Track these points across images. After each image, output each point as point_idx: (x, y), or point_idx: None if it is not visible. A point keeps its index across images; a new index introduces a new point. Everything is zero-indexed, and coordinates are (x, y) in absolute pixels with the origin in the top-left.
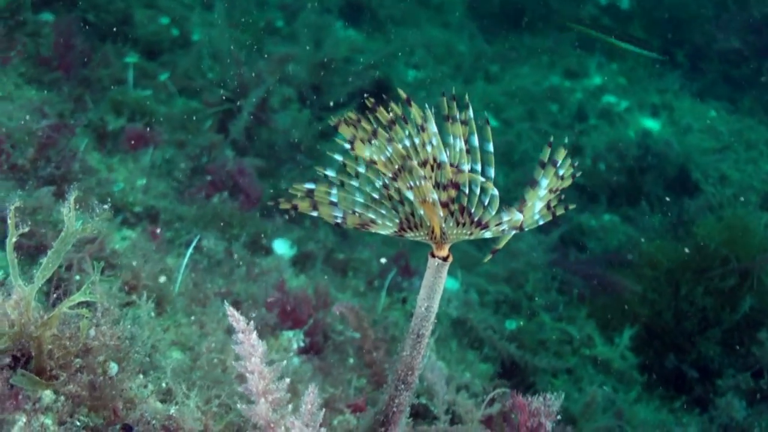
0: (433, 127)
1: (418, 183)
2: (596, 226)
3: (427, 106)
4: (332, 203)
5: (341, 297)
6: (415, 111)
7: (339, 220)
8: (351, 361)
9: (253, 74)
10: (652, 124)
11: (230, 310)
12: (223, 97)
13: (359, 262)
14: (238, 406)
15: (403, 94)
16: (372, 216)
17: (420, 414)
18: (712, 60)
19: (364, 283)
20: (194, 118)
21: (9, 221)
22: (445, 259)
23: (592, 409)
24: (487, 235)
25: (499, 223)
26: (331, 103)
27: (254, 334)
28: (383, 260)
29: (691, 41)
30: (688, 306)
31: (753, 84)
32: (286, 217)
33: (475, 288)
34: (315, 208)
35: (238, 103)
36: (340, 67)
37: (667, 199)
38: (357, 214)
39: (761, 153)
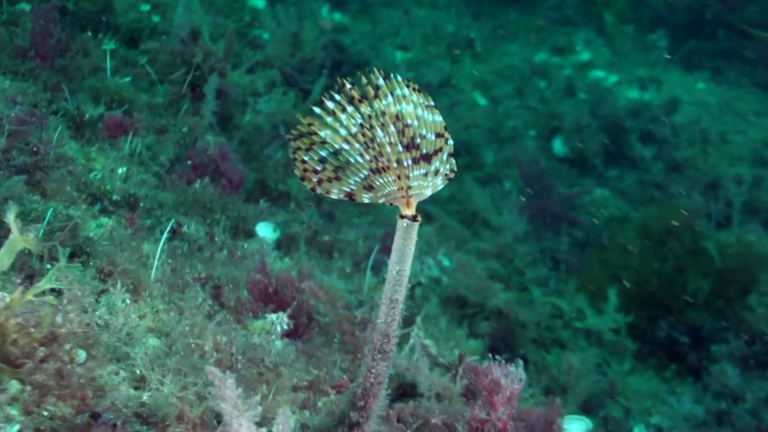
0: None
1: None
2: (587, 201)
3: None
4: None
5: (327, 279)
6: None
7: (320, 168)
8: (336, 342)
9: (222, 56)
10: (640, 96)
11: (208, 369)
12: (185, 75)
13: (345, 243)
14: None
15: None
16: (348, 158)
17: (408, 393)
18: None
19: (351, 264)
20: (175, 104)
21: None
22: (413, 218)
23: (573, 374)
24: (439, 183)
25: (443, 162)
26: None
27: (228, 380)
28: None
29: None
30: (669, 274)
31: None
32: (270, 201)
33: (464, 265)
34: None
35: (206, 74)
36: (325, 50)
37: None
38: (337, 156)
39: (750, 123)
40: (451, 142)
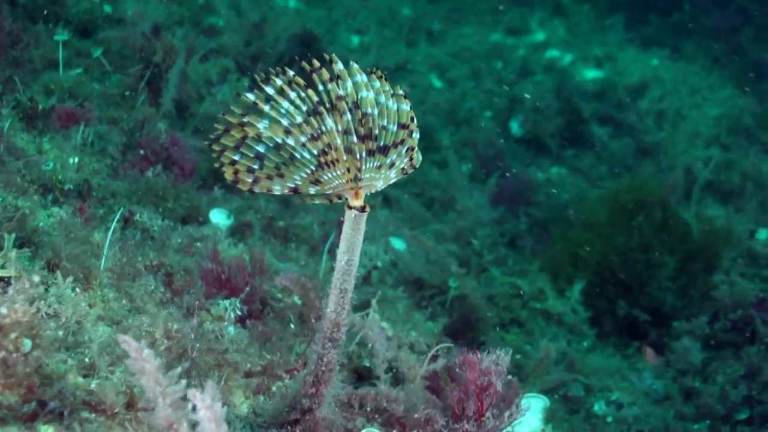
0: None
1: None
2: (543, 180)
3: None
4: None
5: (282, 265)
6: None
7: (257, 166)
8: (292, 327)
9: (182, 45)
10: (596, 75)
11: (122, 338)
12: (144, 69)
13: (300, 228)
14: (139, 414)
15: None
16: (292, 153)
17: (364, 376)
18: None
19: (307, 248)
20: (129, 94)
21: None
22: (362, 209)
23: (545, 364)
24: (392, 175)
25: (401, 156)
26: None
27: (145, 350)
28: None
29: None
30: (632, 252)
31: (693, 30)
32: (224, 188)
33: (422, 248)
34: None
35: (163, 72)
36: (282, 36)
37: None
38: (278, 151)
39: (704, 98)
40: (416, 134)
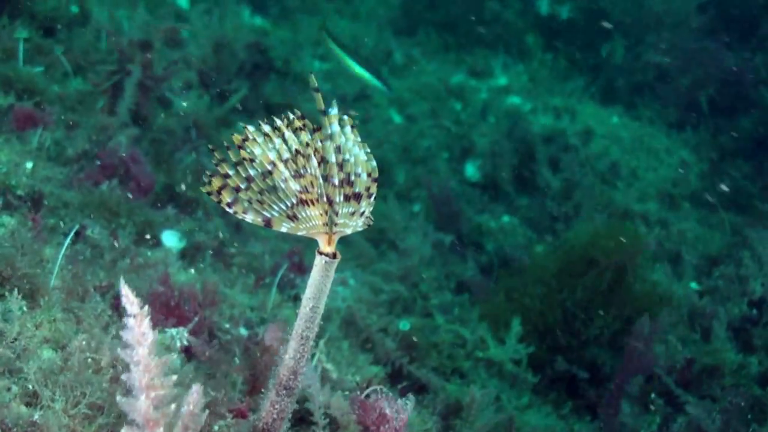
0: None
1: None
2: (495, 228)
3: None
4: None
5: (230, 293)
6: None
7: (244, 186)
8: (237, 361)
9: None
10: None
11: (125, 289)
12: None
13: (251, 257)
14: (117, 398)
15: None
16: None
17: (304, 419)
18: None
19: (254, 278)
20: (89, 99)
21: None
22: (333, 256)
23: (473, 409)
24: (360, 225)
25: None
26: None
27: (147, 321)
28: None
29: None
30: (574, 308)
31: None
32: (177, 208)
33: (369, 287)
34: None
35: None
36: (244, 52)
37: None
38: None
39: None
40: (376, 185)
